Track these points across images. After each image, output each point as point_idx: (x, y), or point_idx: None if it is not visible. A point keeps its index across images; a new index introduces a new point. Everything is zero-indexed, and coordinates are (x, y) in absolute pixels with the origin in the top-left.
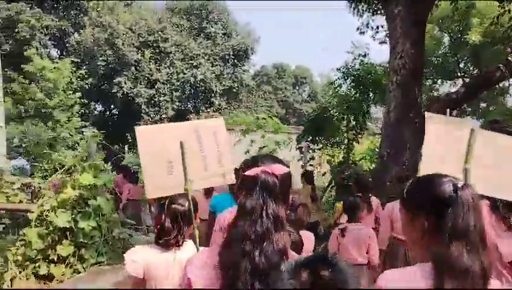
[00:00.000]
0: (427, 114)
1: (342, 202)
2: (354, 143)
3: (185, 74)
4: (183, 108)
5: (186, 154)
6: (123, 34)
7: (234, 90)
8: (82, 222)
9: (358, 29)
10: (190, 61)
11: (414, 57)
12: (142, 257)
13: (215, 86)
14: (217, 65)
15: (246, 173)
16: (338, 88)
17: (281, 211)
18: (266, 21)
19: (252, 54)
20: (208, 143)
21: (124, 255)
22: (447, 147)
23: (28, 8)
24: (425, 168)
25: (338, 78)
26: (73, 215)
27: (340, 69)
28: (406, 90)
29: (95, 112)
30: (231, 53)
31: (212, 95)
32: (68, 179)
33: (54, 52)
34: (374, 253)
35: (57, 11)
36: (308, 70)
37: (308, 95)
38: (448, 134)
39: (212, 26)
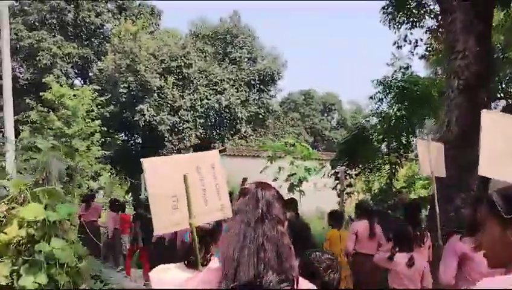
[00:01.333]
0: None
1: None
2: (398, 167)
3: (209, 99)
4: (207, 136)
5: (189, 189)
6: (145, 60)
7: (260, 116)
8: (26, 277)
9: (395, 43)
10: (214, 87)
11: (480, 55)
12: (170, 275)
13: (241, 112)
14: (242, 91)
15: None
16: (379, 103)
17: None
18: (293, 45)
19: (279, 79)
20: (208, 176)
21: (150, 273)
22: (506, 141)
23: (50, 36)
24: (485, 165)
25: (378, 91)
26: (15, 267)
27: (380, 81)
28: (471, 96)
29: (118, 141)
30: (257, 78)
31: (238, 121)
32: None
33: (78, 82)
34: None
35: (80, 39)
36: (337, 97)
37: (337, 122)
38: (507, 128)
39: (237, 51)
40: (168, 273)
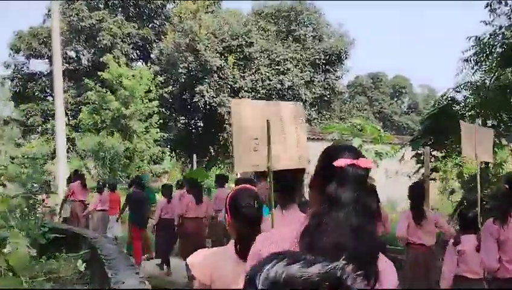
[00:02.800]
0: None
1: None
2: (496, 149)
3: (271, 80)
4: None
5: (270, 134)
6: (205, 39)
7: (326, 98)
8: None
9: (488, 5)
10: (277, 67)
11: None
12: (210, 261)
13: (305, 94)
14: (306, 71)
15: (334, 163)
16: (476, 68)
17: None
18: (362, 22)
19: (346, 58)
20: (289, 126)
21: (189, 258)
22: None
23: (111, 17)
24: None
25: (476, 53)
26: None
27: (478, 38)
28: None
29: (178, 124)
30: (322, 57)
31: (302, 104)
32: None
33: (140, 64)
34: None
35: (141, 19)
36: (407, 80)
37: (408, 107)
38: None
39: (301, 29)
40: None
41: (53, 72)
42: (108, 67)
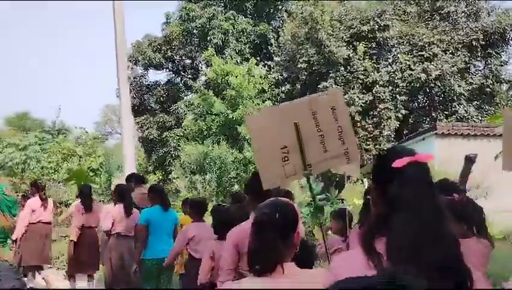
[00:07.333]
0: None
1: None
2: None
3: (412, 70)
4: (412, 118)
5: (302, 137)
6: (328, 26)
7: (487, 90)
8: None
9: None
10: (420, 53)
11: None
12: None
13: (458, 85)
14: (459, 56)
15: (393, 165)
16: None
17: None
18: None
19: None
20: (325, 120)
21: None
22: None
23: (222, 13)
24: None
25: None
26: None
27: None
28: None
29: None
30: (481, 38)
31: (455, 98)
32: None
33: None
34: None
35: (257, 14)
36: None
37: None
38: None
39: (450, 5)
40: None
41: (118, 75)
42: (211, 65)
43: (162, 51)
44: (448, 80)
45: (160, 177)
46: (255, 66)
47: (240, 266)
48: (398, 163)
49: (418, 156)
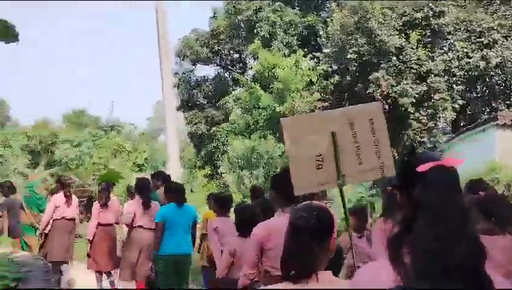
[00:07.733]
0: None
1: None
2: None
3: (470, 58)
4: (470, 109)
5: (338, 146)
6: (379, 14)
7: None
8: None
9: None
10: (479, 39)
11: None
12: None
13: None
14: None
15: (418, 169)
16: None
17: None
18: None
19: None
20: (363, 132)
21: None
22: None
23: (268, 5)
24: None
25: None
26: None
27: None
28: None
29: None
30: None
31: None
32: None
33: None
34: None
35: (309, 7)
36: None
37: None
38: None
39: None
40: None
41: (162, 83)
42: (258, 57)
43: (210, 46)
44: (510, 67)
45: (209, 172)
46: (303, 58)
47: (263, 260)
48: (422, 167)
49: (444, 161)
